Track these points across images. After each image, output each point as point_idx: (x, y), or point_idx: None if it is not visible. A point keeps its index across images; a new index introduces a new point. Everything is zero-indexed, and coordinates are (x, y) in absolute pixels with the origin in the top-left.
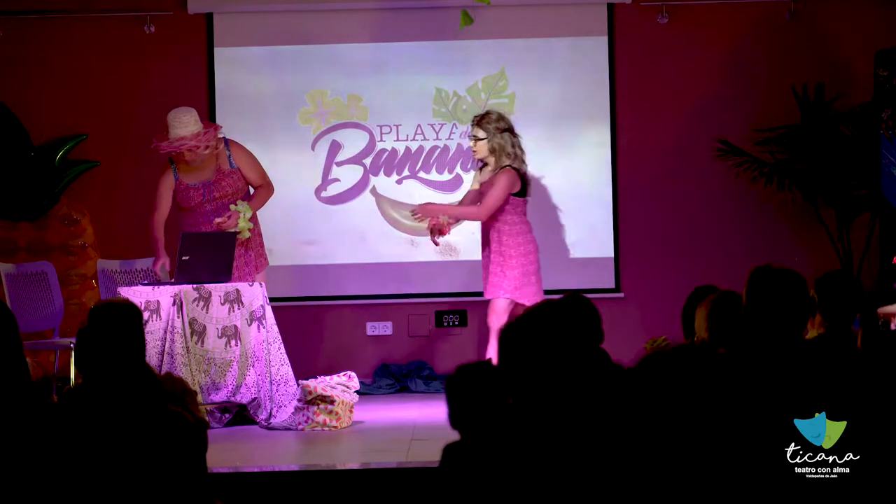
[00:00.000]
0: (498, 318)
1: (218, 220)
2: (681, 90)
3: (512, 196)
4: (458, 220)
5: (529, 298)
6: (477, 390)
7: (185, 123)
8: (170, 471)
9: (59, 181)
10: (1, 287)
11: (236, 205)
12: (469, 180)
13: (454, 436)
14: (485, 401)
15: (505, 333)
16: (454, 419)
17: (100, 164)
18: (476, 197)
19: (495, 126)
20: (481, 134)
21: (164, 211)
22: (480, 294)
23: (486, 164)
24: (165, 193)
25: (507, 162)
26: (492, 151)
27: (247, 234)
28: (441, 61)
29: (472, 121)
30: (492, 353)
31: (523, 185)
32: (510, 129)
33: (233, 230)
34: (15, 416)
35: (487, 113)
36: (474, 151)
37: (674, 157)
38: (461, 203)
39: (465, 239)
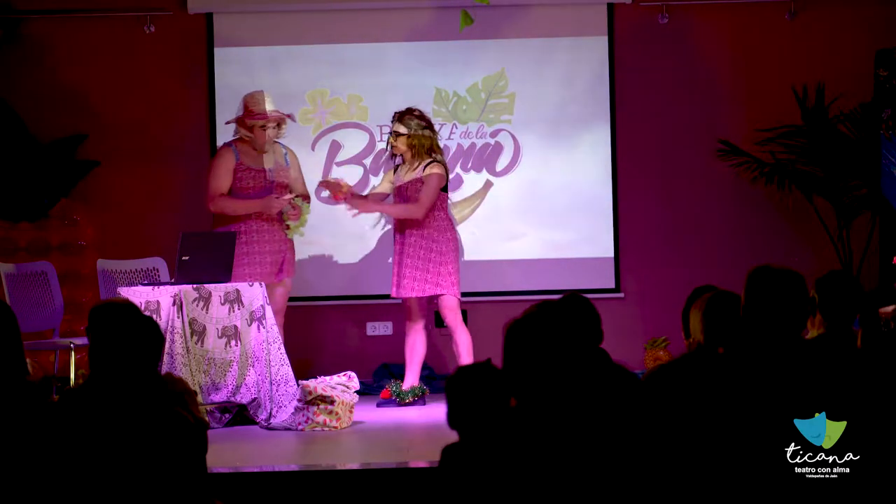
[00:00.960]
0: (455, 315)
1: (289, 196)
2: (681, 90)
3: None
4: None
5: (458, 296)
6: (477, 391)
7: (271, 101)
8: (170, 471)
9: (60, 181)
10: (1, 287)
11: (300, 200)
12: (469, 180)
13: (454, 436)
14: (485, 402)
15: (507, 334)
16: (453, 420)
17: (100, 164)
18: (385, 197)
19: (417, 122)
20: (402, 129)
21: (224, 189)
22: (481, 294)
23: (402, 163)
24: (225, 173)
25: (429, 158)
26: (411, 147)
27: (300, 233)
28: (441, 61)
29: (393, 117)
30: (465, 354)
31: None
32: (430, 127)
33: (290, 222)
34: (13, 415)
35: (409, 109)
36: (393, 147)
37: (674, 157)
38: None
39: (466, 239)
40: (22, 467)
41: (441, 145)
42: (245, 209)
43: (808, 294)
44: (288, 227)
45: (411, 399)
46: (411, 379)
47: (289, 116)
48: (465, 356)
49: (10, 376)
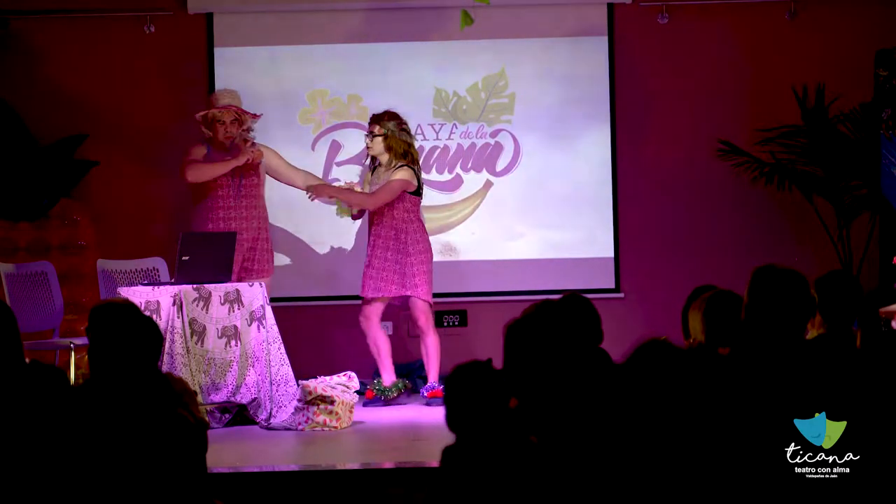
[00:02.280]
0: (428, 318)
1: (251, 142)
2: (681, 90)
3: (409, 194)
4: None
5: (430, 300)
6: (475, 392)
7: (235, 97)
8: (170, 471)
9: (60, 181)
10: (1, 287)
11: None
12: (469, 180)
13: (453, 436)
14: (482, 402)
15: (507, 334)
16: (451, 420)
17: (100, 164)
18: None
19: (394, 124)
20: (378, 130)
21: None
22: (481, 294)
23: (378, 165)
24: (196, 154)
25: (403, 161)
26: (388, 149)
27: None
28: (441, 61)
29: (371, 118)
30: (434, 357)
31: (419, 184)
32: (408, 131)
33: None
34: (12, 414)
35: (386, 112)
36: (369, 147)
37: (674, 157)
38: None
39: (465, 239)
40: (21, 466)
41: (418, 146)
42: (222, 168)
43: (811, 296)
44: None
45: (396, 394)
46: (389, 375)
47: (253, 115)
48: (435, 359)
49: (9, 375)
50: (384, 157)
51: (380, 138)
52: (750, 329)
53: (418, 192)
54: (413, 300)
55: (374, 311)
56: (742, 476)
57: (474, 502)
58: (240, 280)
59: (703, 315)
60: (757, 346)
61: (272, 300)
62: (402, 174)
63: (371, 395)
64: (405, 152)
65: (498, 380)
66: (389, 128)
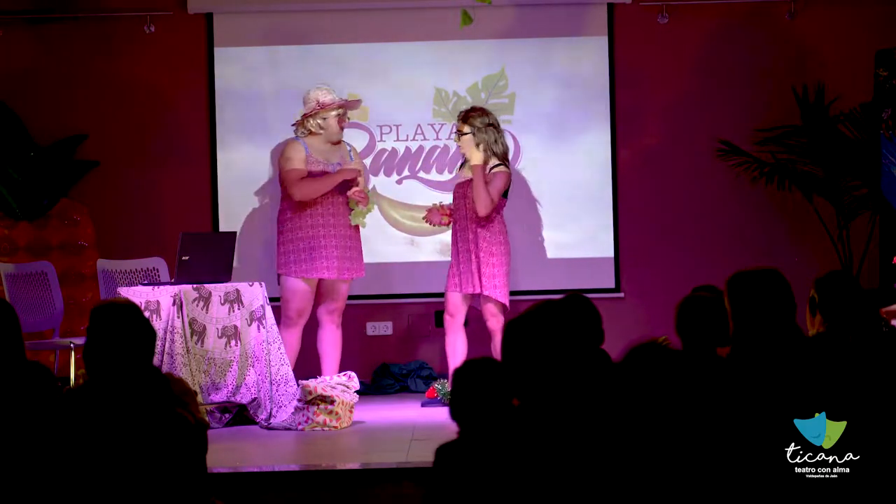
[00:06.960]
0: (499, 320)
1: (357, 189)
2: (681, 90)
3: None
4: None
5: (507, 301)
6: (482, 385)
7: (333, 92)
8: (169, 471)
9: (60, 181)
10: (1, 287)
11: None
12: None
13: (454, 436)
14: (488, 396)
15: (506, 333)
16: (456, 411)
17: (100, 164)
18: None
19: (481, 121)
20: (466, 129)
21: (303, 175)
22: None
23: (466, 161)
24: (299, 162)
25: (497, 161)
26: (477, 146)
27: (363, 223)
28: (441, 61)
29: (458, 116)
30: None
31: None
32: (495, 125)
33: (358, 207)
34: (12, 412)
35: (473, 108)
36: (459, 146)
37: (674, 157)
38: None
39: None
40: (20, 465)
41: (417, 146)
42: (329, 184)
43: (790, 287)
44: (351, 210)
45: None
46: None
47: (357, 102)
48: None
49: (9, 372)
50: (474, 155)
51: (468, 136)
52: (742, 335)
53: (506, 194)
54: (487, 301)
55: (456, 309)
56: (742, 476)
57: (473, 500)
58: (339, 277)
59: (676, 326)
60: (754, 347)
61: (272, 300)
62: (503, 178)
63: (432, 395)
64: (497, 152)
65: (505, 376)
66: (475, 125)
